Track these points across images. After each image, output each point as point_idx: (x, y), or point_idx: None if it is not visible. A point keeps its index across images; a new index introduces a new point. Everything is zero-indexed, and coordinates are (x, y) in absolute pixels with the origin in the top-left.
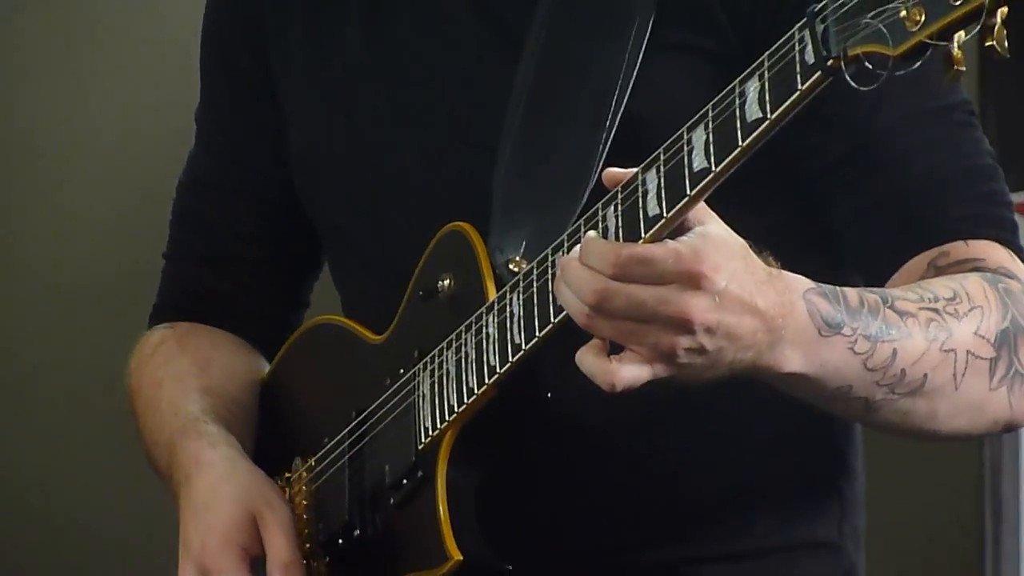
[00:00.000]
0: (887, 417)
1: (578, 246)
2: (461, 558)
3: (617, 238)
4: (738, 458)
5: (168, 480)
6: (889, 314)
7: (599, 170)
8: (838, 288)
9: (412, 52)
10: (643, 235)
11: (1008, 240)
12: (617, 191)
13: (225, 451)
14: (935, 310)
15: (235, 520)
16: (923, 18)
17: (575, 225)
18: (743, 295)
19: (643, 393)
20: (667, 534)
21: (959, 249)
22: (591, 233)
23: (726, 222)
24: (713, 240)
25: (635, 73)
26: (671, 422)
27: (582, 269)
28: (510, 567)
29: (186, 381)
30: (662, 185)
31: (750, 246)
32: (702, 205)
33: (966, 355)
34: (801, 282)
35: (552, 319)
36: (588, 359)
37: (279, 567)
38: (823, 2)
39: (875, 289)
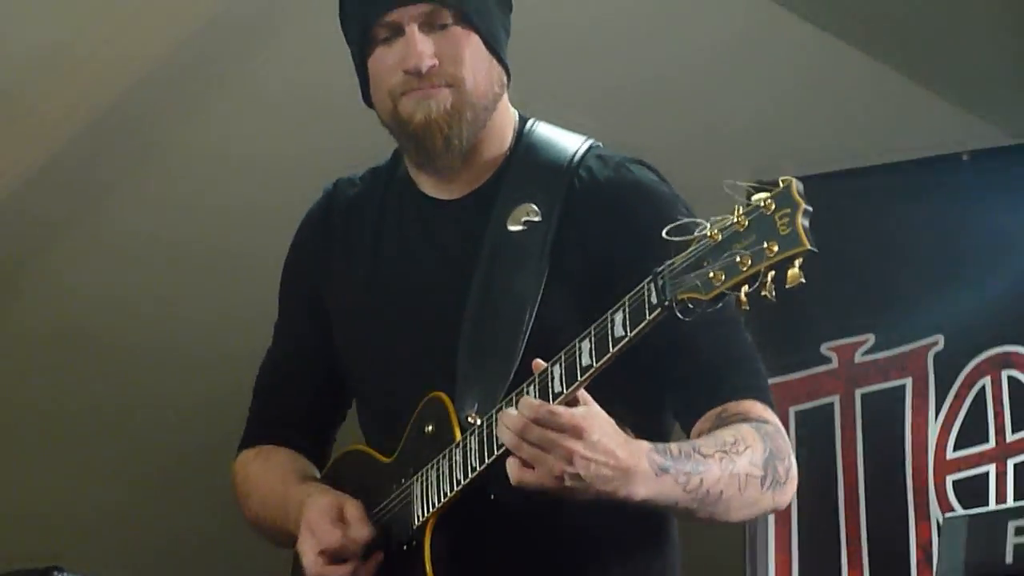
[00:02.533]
0: (700, 516)
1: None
2: None
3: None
4: (601, 533)
5: (282, 523)
6: (696, 457)
7: (520, 359)
8: (666, 444)
9: (399, 275)
10: (550, 404)
11: (764, 399)
12: (535, 376)
13: (317, 486)
14: (724, 451)
15: (328, 503)
16: (723, 278)
17: (506, 397)
18: (608, 448)
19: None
20: (565, 570)
21: (733, 406)
22: (526, 397)
23: (601, 403)
24: (593, 412)
25: (539, 297)
26: (563, 509)
27: (516, 415)
28: None
29: (283, 467)
30: (563, 373)
31: (616, 422)
32: (584, 393)
33: (745, 476)
34: (644, 445)
35: (495, 452)
36: (514, 468)
37: (357, 521)
38: (662, 266)
39: (687, 441)
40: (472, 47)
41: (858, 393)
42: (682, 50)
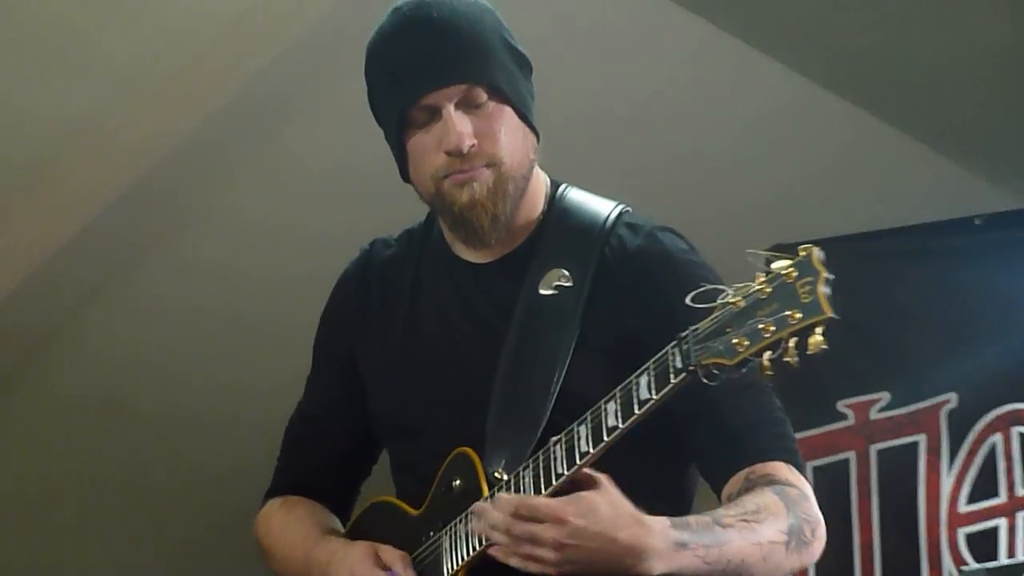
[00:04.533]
0: None
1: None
2: None
3: (562, 463)
4: None
5: None
6: (717, 529)
7: (547, 419)
8: (685, 518)
9: (433, 335)
10: (577, 461)
11: (791, 460)
12: (561, 436)
13: (340, 542)
14: (745, 520)
15: (362, 552)
16: (747, 344)
17: (532, 455)
18: (597, 531)
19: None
20: None
21: (760, 468)
22: (501, 494)
23: (624, 460)
24: (577, 499)
25: (568, 361)
26: None
27: (500, 514)
28: None
29: (305, 521)
30: (589, 433)
31: (634, 503)
32: (591, 475)
33: (769, 544)
34: (661, 522)
35: None
36: (516, 560)
37: (399, 557)
38: (687, 331)
39: (708, 512)
40: (506, 121)
41: (873, 449)
42: (711, 126)
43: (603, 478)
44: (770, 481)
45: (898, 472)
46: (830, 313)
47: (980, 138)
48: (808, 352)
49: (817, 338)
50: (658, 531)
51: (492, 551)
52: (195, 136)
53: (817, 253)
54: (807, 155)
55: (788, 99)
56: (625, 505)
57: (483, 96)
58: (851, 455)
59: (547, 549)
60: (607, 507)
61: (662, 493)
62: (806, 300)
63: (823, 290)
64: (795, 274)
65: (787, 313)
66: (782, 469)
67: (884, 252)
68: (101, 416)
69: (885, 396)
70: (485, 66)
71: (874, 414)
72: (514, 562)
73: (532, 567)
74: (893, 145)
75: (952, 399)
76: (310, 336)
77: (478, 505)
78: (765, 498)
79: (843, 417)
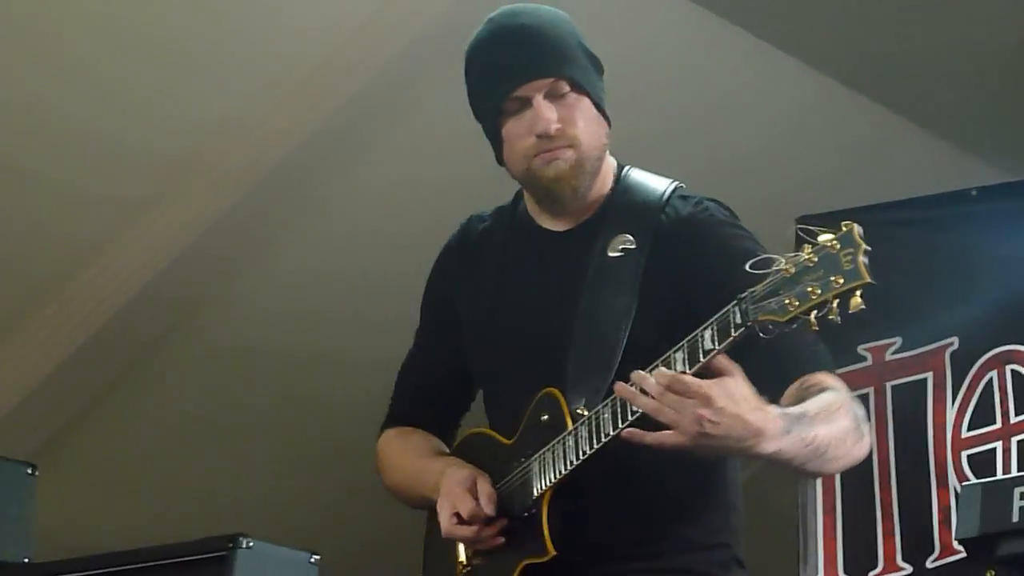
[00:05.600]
0: (808, 469)
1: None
2: (555, 553)
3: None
4: (677, 502)
5: (419, 489)
6: (808, 418)
7: (617, 366)
8: (786, 409)
9: (520, 292)
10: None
11: (831, 371)
12: (657, 362)
13: (452, 460)
14: (828, 412)
15: (464, 476)
16: (797, 304)
17: (608, 397)
18: (735, 412)
19: (642, 468)
20: (644, 535)
21: (811, 378)
22: (660, 369)
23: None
24: (721, 383)
25: (633, 313)
26: (645, 486)
27: (656, 384)
28: (580, 557)
29: (420, 445)
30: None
31: (756, 391)
32: (727, 364)
33: (844, 433)
34: (776, 409)
35: (602, 439)
36: (647, 437)
37: (486, 495)
38: (744, 293)
39: (799, 406)
40: (584, 110)
41: (888, 385)
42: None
43: (736, 368)
44: (824, 387)
45: (909, 405)
46: (868, 279)
47: (976, 123)
48: (850, 311)
49: (856, 299)
50: (773, 417)
51: (643, 403)
52: (324, 128)
53: (857, 228)
54: (822, 141)
55: (803, 94)
56: (751, 392)
57: (565, 88)
58: (870, 391)
59: (690, 421)
60: (741, 392)
61: None
62: (848, 268)
63: (862, 260)
64: (838, 246)
65: (832, 279)
66: (830, 378)
67: (895, 221)
68: (247, 365)
69: (898, 340)
70: (566, 63)
71: (888, 356)
72: (663, 418)
73: (671, 440)
74: (900, 132)
75: (955, 342)
76: (420, 296)
77: (636, 373)
78: (832, 397)
79: (863, 359)
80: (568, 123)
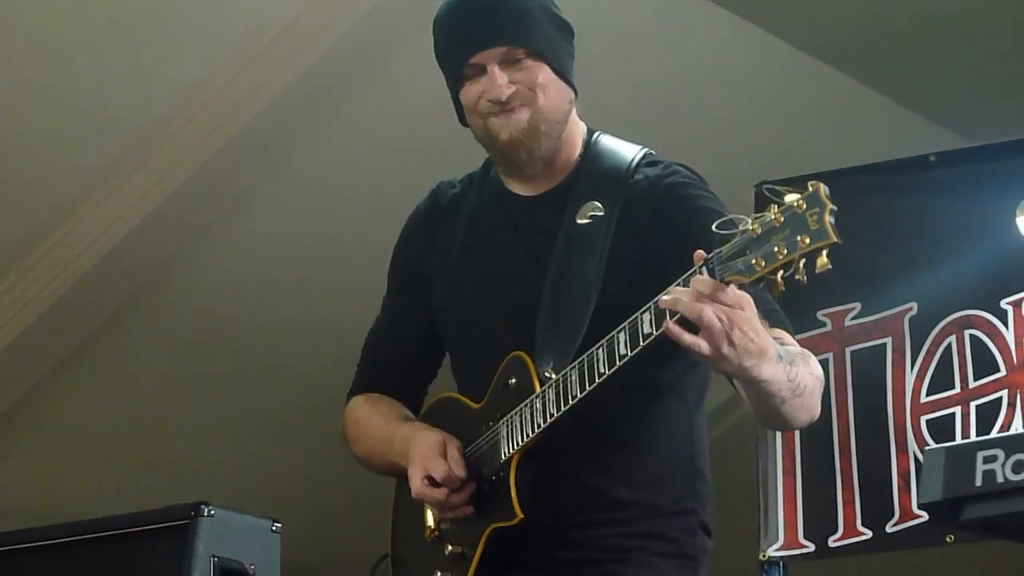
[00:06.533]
0: (783, 409)
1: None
2: (523, 516)
3: (604, 363)
4: (652, 464)
5: (387, 455)
6: (791, 357)
7: (586, 330)
8: (775, 343)
9: (489, 257)
10: (616, 363)
11: (789, 331)
12: (603, 342)
13: (421, 425)
14: (804, 357)
15: (435, 440)
16: (763, 264)
17: (576, 358)
18: (757, 327)
19: (611, 432)
20: (612, 499)
21: (773, 332)
22: (699, 276)
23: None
24: (749, 302)
25: (601, 278)
26: (614, 450)
27: (695, 291)
28: (548, 520)
29: (388, 411)
30: (627, 338)
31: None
32: (746, 298)
33: (814, 379)
34: (771, 339)
35: (569, 401)
36: (686, 337)
37: (455, 459)
38: (711, 254)
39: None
40: (543, 74)
41: (848, 351)
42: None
43: (747, 297)
44: (785, 342)
45: (869, 370)
46: (835, 238)
47: (938, 90)
48: (816, 271)
49: (823, 259)
50: (771, 343)
51: (685, 307)
52: (289, 92)
53: (823, 188)
54: (787, 110)
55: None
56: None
57: (520, 54)
58: (829, 356)
59: (725, 327)
60: (755, 316)
61: (681, 378)
62: (814, 227)
63: (828, 219)
64: (804, 205)
65: (798, 238)
66: (788, 336)
67: (855, 186)
68: (212, 331)
69: (857, 306)
70: (523, 32)
71: (847, 321)
72: (704, 320)
73: (702, 344)
74: (863, 100)
75: (913, 307)
76: (388, 262)
77: (673, 288)
78: (802, 349)
79: (822, 324)
80: (522, 85)
